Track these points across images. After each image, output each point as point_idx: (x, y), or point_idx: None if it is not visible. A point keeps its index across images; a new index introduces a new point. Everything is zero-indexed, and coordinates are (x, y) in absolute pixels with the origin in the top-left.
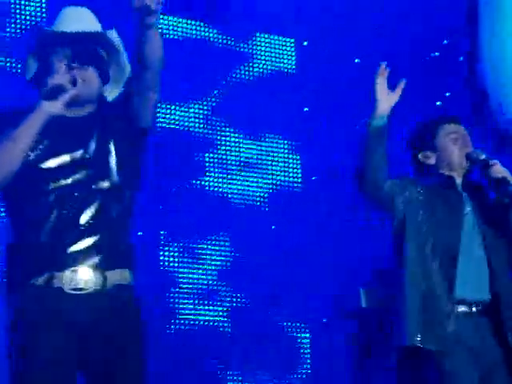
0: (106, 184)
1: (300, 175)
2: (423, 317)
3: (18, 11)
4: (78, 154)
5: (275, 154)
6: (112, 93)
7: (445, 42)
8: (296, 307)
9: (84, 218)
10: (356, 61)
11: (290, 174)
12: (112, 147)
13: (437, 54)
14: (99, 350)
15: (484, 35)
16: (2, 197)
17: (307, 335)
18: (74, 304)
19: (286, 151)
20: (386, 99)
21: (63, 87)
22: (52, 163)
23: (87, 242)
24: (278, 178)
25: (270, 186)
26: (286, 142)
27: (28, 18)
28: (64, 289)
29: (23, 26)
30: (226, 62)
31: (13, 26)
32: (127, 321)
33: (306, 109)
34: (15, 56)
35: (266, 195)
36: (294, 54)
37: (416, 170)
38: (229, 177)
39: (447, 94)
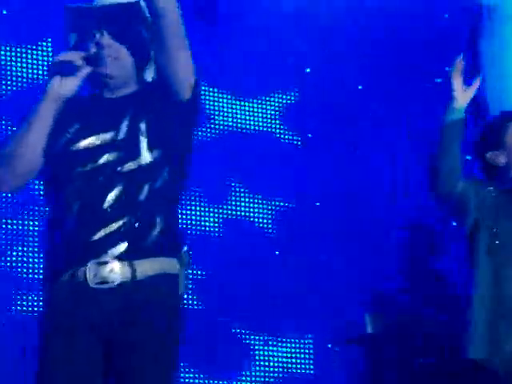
0: (132, 166)
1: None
2: (491, 329)
3: None
4: (108, 135)
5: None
6: (151, 72)
7: (447, 68)
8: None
9: (106, 202)
10: (359, 87)
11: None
12: (144, 127)
13: (439, 80)
14: (127, 348)
15: (485, 61)
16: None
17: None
18: (101, 299)
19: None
20: (462, 93)
21: (73, 65)
22: (81, 145)
23: (110, 228)
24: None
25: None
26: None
27: None
28: (89, 283)
29: None
30: None
31: None
32: (160, 316)
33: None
34: None
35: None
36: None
37: (484, 172)
38: None
39: None
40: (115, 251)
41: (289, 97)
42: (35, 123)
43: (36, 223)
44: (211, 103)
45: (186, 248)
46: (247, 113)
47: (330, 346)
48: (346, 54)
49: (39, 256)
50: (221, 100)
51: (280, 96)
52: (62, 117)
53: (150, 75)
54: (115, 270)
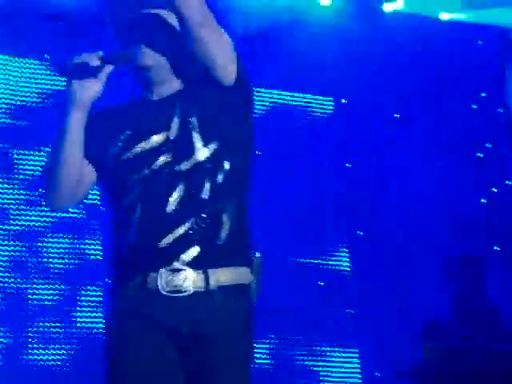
0: (189, 164)
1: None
2: None
3: None
4: (160, 137)
5: None
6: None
7: (483, 94)
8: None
9: (169, 205)
10: (395, 116)
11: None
12: (195, 122)
13: (475, 106)
14: (199, 361)
15: None
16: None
17: None
18: (171, 308)
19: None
20: None
21: (91, 66)
22: (134, 152)
23: (177, 232)
24: None
25: None
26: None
27: None
28: (160, 291)
29: None
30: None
31: None
32: (232, 330)
33: (348, 164)
34: None
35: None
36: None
37: None
38: None
39: (488, 145)
40: (186, 257)
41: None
42: (66, 138)
43: None
44: None
45: (258, 254)
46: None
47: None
48: (380, 83)
49: None
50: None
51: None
52: (111, 126)
53: (190, 71)
54: (189, 278)
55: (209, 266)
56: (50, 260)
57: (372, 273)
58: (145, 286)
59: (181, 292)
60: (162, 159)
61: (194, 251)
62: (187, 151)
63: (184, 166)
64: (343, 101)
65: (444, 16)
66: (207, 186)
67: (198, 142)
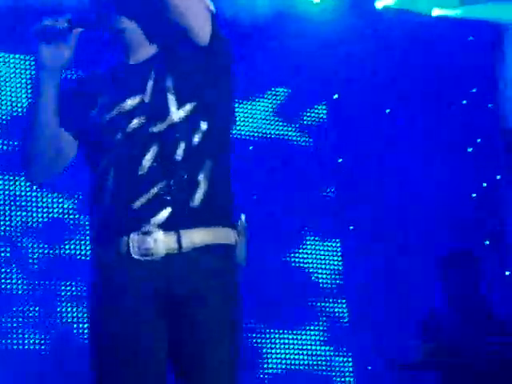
0: (163, 125)
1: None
2: None
3: None
4: (135, 100)
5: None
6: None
7: (474, 90)
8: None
9: (141, 167)
10: (387, 111)
11: None
12: (171, 84)
13: (464, 101)
14: (179, 325)
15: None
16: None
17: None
18: (144, 272)
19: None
20: None
21: (59, 29)
22: (108, 117)
23: (149, 194)
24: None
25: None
26: (320, 193)
27: None
28: (131, 255)
29: None
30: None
31: None
32: (209, 291)
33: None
34: None
35: None
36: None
37: None
38: None
39: (478, 141)
40: (158, 219)
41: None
42: (39, 105)
43: None
44: None
45: (243, 216)
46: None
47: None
48: (373, 79)
49: None
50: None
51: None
52: (89, 92)
53: (164, 34)
54: (160, 240)
55: (181, 227)
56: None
57: (366, 270)
58: (118, 250)
59: (152, 255)
60: (136, 121)
61: (166, 213)
62: (161, 113)
63: (157, 127)
64: (335, 96)
65: (436, 12)
66: (182, 146)
67: (172, 104)
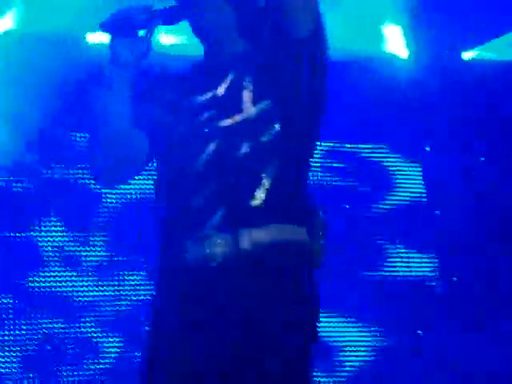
0: (231, 120)
1: None
2: None
3: None
4: (209, 94)
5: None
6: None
7: None
8: None
9: (200, 162)
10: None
11: None
12: (250, 80)
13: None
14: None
15: None
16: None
17: None
18: (206, 280)
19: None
20: None
21: (134, 21)
22: (181, 109)
23: (205, 191)
24: None
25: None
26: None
27: None
28: (190, 262)
29: None
30: None
31: None
32: (273, 290)
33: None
34: None
35: None
36: None
37: None
38: None
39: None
40: (214, 220)
41: None
42: (110, 100)
43: None
44: None
45: (321, 214)
46: None
47: None
48: (462, 130)
49: None
50: None
51: None
52: (158, 87)
53: (256, 28)
54: (217, 244)
55: (241, 226)
56: None
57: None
58: (178, 255)
59: (212, 259)
60: (206, 115)
61: (222, 212)
62: (233, 108)
63: (225, 122)
64: (427, 149)
65: None
66: (246, 144)
67: (247, 101)
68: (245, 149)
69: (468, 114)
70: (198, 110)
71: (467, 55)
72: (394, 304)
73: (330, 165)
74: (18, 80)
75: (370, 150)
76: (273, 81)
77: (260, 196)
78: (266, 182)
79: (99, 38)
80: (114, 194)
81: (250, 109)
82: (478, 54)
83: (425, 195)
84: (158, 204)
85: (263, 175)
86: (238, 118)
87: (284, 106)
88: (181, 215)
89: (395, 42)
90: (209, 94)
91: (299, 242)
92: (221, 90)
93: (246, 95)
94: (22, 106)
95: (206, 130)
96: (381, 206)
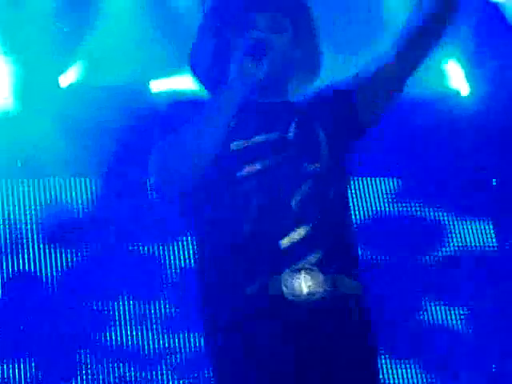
0: (317, 164)
1: None
2: None
3: None
4: (275, 135)
5: None
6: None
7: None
8: None
9: (294, 200)
10: None
11: None
12: (320, 130)
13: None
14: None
15: None
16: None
17: None
18: (299, 313)
19: None
20: None
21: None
22: (243, 144)
23: (302, 231)
24: None
25: None
26: None
27: None
28: (284, 295)
29: None
30: None
31: None
32: (354, 343)
33: None
34: None
35: None
36: None
37: None
38: None
39: None
40: (312, 258)
41: None
42: (221, 118)
43: None
44: None
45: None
46: None
47: None
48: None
49: None
50: None
51: None
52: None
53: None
54: (316, 281)
55: (334, 269)
56: None
57: None
58: (265, 291)
59: (312, 295)
60: (280, 157)
61: (319, 254)
62: (312, 153)
63: (311, 166)
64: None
65: None
66: (332, 188)
67: (324, 148)
68: (331, 193)
69: None
70: (269, 148)
71: None
72: None
73: None
74: (83, 132)
75: None
76: (339, 133)
77: (345, 243)
78: (346, 234)
79: (163, 86)
80: None
81: (328, 155)
82: None
83: None
84: (225, 239)
85: (342, 223)
86: (320, 163)
87: (342, 163)
88: (271, 250)
89: (457, 79)
90: (276, 134)
91: (359, 296)
92: (289, 133)
93: (323, 143)
94: (86, 156)
95: (293, 171)
96: None
